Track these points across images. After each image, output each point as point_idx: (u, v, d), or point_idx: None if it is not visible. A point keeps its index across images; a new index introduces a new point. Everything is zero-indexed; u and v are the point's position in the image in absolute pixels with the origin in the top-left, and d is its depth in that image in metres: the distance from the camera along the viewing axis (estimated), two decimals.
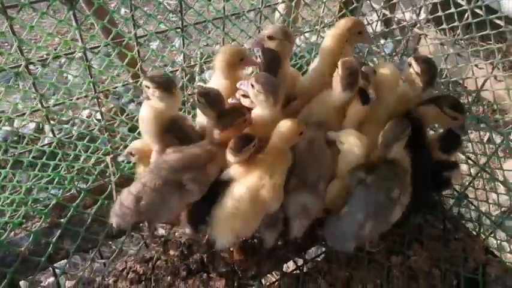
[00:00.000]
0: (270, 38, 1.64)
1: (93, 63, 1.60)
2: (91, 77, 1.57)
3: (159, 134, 1.53)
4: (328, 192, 1.57)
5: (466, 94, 1.87)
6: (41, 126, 2.97)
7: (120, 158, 1.70)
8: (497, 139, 1.77)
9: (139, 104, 1.81)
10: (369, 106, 1.57)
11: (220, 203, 1.45)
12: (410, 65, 1.61)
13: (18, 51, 1.34)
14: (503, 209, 1.84)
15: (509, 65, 3.58)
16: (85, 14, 1.44)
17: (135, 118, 1.84)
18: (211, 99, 1.47)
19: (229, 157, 1.46)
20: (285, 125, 1.46)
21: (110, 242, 1.99)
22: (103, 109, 1.71)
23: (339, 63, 1.52)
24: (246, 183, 1.43)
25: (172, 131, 1.55)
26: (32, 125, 3.42)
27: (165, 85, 1.45)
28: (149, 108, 1.51)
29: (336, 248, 1.62)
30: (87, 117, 2.62)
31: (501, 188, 1.83)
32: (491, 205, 1.91)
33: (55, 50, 1.40)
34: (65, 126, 1.68)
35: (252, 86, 1.48)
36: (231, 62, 1.59)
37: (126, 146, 1.93)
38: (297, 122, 1.48)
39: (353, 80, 1.51)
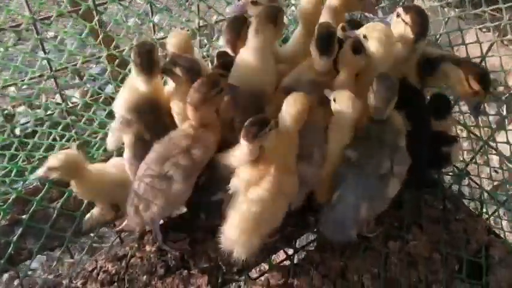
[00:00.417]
0: (254, 3, 1.47)
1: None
2: (44, 53, 1.36)
3: None
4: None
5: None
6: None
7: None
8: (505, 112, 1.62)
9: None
10: (361, 57, 1.40)
11: (234, 210, 1.30)
12: (398, 15, 1.43)
13: None
14: (508, 186, 1.70)
15: None
16: None
17: (100, 99, 1.65)
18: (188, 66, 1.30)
19: (243, 145, 1.25)
20: (293, 103, 1.28)
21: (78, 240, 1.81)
22: (77, 93, 1.51)
23: (316, 27, 1.37)
24: (265, 184, 1.26)
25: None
26: None
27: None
28: None
29: (336, 240, 1.49)
30: (46, 100, 2.39)
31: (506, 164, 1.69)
32: (494, 182, 1.77)
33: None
34: (18, 110, 1.46)
35: None
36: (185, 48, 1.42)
37: (94, 131, 1.74)
38: (301, 94, 1.30)
39: (328, 44, 1.35)
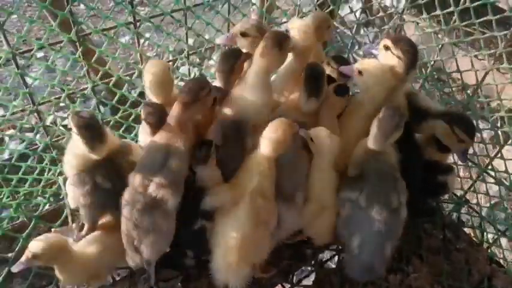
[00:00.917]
0: (244, 34, 1.44)
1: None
2: (26, 87, 1.30)
3: None
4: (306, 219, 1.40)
5: (463, 90, 1.68)
6: None
7: (14, 269, 1.24)
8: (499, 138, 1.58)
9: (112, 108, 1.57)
10: (345, 98, 1.44)
11: (216, 242, 1.29)
12: (387, 48, 1.41)
13: None
14: (508, 214, 1.66)
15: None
16: (6, 10, 1.15)
17: None
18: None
19: (198, 170, 1.27)
20: (276, 128, 1.26)
21: None
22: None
23: (305, 67, 1.37)
24: (241, 213, 1.25)
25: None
26: None
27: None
28: None
29: (368, 279, 1.49)
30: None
31: (504, 191, 1.65)
32: (494, 210, 1.73)
33: None
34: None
35: None
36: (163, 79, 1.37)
37: None
38: (288, 121, 1.29)
39: (317, 86, 1.35)
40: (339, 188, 1.40)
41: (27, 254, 1.22)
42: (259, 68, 1.33)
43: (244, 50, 1.43)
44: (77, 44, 1.31)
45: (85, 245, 1.37)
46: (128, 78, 1.56)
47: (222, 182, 1.32)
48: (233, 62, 1.37)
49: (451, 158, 1.72)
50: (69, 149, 1.35)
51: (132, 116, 1.69)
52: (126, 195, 1.24)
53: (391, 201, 1.31)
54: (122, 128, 1.72)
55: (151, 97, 1.41)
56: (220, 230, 1.28)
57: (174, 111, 1.26)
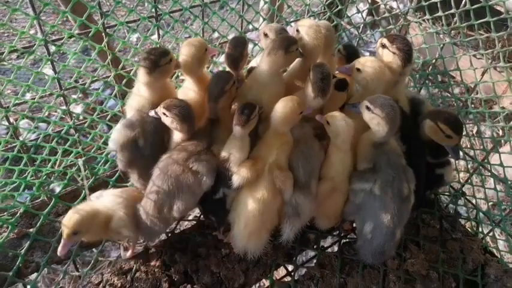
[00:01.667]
0: (266, 35, 1.59)
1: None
2: (55, 73, 1.41)
3: None
4: (320, 197, 1.48)
5: (462, 87, 1.77)
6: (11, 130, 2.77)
7: (59, 252, 1.32)
8: (495, 133, 1.67)
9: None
10: (345, 92, 1.55)
11: (237, 211, 1.42)
12: (384, 45, 1.51)
13: None
14: (502, 206, 1.74)
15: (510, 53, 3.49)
16: (43, 1, 1.26)
17: (107, 118, 1.70)
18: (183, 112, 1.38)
19: (236, 129, 1.37)
20: (283, 105, 1.37)
21: (84, 253, 1.84)
22: (79, 108, 1.55)
23: (311, 67, 1.44)
24: (262, 184, 1.38)
25: None
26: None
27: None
28: None
29: (377, 263, 1.58)
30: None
31: (500, 185, 1.74)
32: (489, 203, 1.81)
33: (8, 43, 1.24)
34: (26, 128, 1.51)
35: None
36: (198, 55, 1.46)
37: (99, 148, 1.79)
38: (295, 99, 1.39)
39: (325, 86, 1.42)
40: (351, 179, 1.48)
41: (67, 232, 1.30)
42: (265, 66, 1.45)
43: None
44: (103, 34, 1.42)
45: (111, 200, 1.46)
46: None
47: (248, 152, 1.42)
48: (241, 49, 1.48)
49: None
50: (134, 93, 1.48)
51: None
52: (162, 164, 1.38)
53: (402, 189, 1.41)
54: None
55: (185, 73, 1.50)
56: (243, 201, 1.40)
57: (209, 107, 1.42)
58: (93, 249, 1.69)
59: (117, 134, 1.45)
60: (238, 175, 1.37)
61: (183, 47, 1.44)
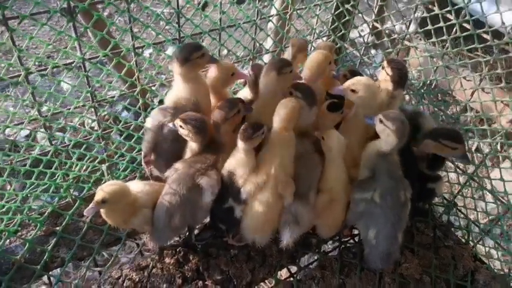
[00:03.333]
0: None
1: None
2: (89, 87, 1.59)
3: None
4: (318, 208, 1.61)
5: (455, 104, 1.94)
6: (32, 135, 2.96)
7: (86, 213, 1.43)
8: (485, 149, 1.82)
9: (135, 113, 1.85)
10: (339, 113, 1.67)
11: (246, 211, 1.56)
12: (383, 67, 1.68)
13: (18, 61, 1.36)
14: (491, 217, 1.88)
15: (495, 77, 3.68)
16: (83, 25, 1.46)
17: (131, 127, 1.87)
18: (198, 125, 1.51)
19: (240, 144, 1.49)
20: (284, 105, 1.51)
21: (104, 251, 1.99)
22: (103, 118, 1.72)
23: (294, 87, 1.59)
24: (267, 188, 1.51)
25: None
26: (24, 134, 3.42)
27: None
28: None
29: (386, 266, 1.69)
30: (79, 125, 2.62)
31: (489, 196, 1.88)
32: (479, 213, 1.95)
33: (49, 59, 1.40)
34: (61, 134, 1.68)
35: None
36: (224, 77, 1.64)
37: (122, 155, 1.95)
38: (294, 99, 1.54)
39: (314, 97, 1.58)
40: (353, 189, 1.62)
41: (99, 197, 1.41)
42: (261, 87, 1.62)
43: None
44: (133, 53, 1.60)
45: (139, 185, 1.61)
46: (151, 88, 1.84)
47: (253, 166, 1.54)
48: (227, 111, 1.55)
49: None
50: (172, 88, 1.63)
51: None
52: (174, 175, 1.53)
53: (400, 196, 1.54)
54: (141, 131, 1.88)
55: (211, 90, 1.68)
56: (249, 205, 1.54)
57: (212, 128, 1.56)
58: (114, 247, 1.83)
59: (152, 116, 1.61)
60: (245, 190, 1.51)
61: (211, 69, 1.63)
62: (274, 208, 1.54)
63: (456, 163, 1.96)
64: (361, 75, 1.88)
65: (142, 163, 1.73)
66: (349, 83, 1.66)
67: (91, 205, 1.42)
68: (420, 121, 1.75)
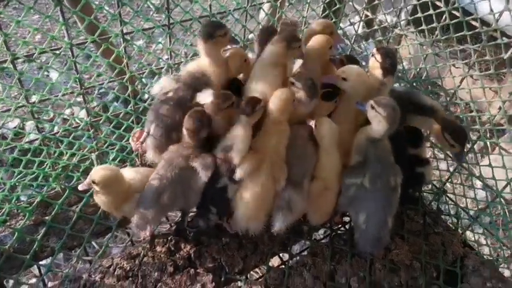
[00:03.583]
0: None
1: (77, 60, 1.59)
2: (77, 73, 1.57)
3: None
4: (312, 195, 1.62)
5: (444, 93, 1.95)
6: (21, 124, 2.92)
7: (80, 187, 1.51)
8: (474, 137, 1.84)
9: (124, 102, 1.83)
10: (333, 102, 1.69)
11: (240, 195, 1.54)
12: (373, 55, 1.69)
13: (4, 46, 1.33)
14: (480, 204, 1.91)
15: (485, 67, 3.72)
16: (71, 9, 1.43)
17: (120, 115, 1.85)
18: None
19: (242, 119, 1.50)
20: (279, 94, 1.52)
21: (94, 241, 1.97)
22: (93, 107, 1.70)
23: (296, 78, 1.59)
24: (262, 171, 1.51)
25: None
26: (11, 126, 3.38)
27: None
28: None
29: (374, 252, 1.71)
30: (71, 114, 2.59)
31: (478, 184, 1.91)
32: (468, 200, 1.98)
33: (38, 45, 1.39)
34: (49, 123, 1.66)
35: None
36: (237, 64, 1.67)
37: (111, 144, 1.94)
38: (288, 89, 1.55)
39: (315, 89, 1.58)
40: (343, 175, 1.63)
41: (89, 178, 1.45)
42: (265, 55, 1.61)
43: None
44: (121, 39, 1.58)
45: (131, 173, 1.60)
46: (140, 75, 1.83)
47: (249, 144, 1.53)
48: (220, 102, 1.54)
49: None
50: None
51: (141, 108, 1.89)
52: (167, 155, 1.52)
53: (390, 181, 1.56)
54: (131, 118, 1.90)
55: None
56: (244, 186, 1.53)
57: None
58: (104, 237, 1.82)
59: (160, 83, 1.63)
60: (241, 169, 1.50)
61: (229, 60, 1.66)
62: (269, 192, 1.54)
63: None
64: (357, 61, 1.89)
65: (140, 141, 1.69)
66: (339, 72, 1.66)
67: (85, 181, 1.45)
68: (413, 97, 1.77)
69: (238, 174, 1.50)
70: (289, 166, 1.57)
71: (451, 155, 1.76)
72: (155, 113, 1.60)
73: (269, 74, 1.60)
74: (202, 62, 1.63)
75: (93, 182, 1.45)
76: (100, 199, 1.53)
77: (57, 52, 1.48)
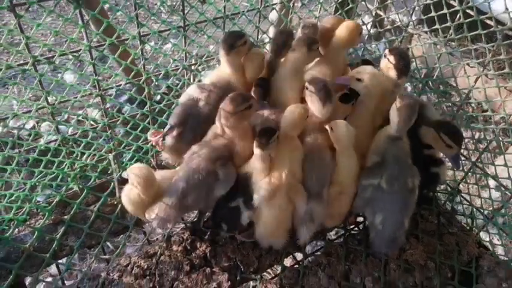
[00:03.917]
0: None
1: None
2: (96, 75, 1.60)
3: None
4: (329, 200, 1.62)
5: (456, 93, 1.95)
6: (37, 125, 2.97)
7: (124, 175, 1.56)
8: (488, 136, 1.83)
9: (139, 104, 1.85)
10: (350, 104, 1.69)
11: (258, 217, 1.56)
12: (385, 56, 1.69)
13: (26, 49, 1.37)
14: (494, 204, 1.90)
15: (498, 66, 3.69)
16: (89, 12, 1.46)
17: (137, 116, 1.88)
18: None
19: (257, 151, 1.48)
20: (291, 111, 1.52)
21: (110, 242, 2.00)
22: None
23: (310, 82, 1.59)
24: (279, 193, 1.50)
25: None
26: (28, 126, 3.44)
27: None
28: None
29: (391, 251, 1.72)
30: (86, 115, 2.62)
31: (493, 183, 1.90)
32: (483, 200, 1.97)
33: (53, 47, 1.42)
34: (67, 124, 1.69)
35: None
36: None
37: (128, 144, 1.96)
38: (301, 105, 1.55)
39: (330, 94, 1.57)
40: (360, 176, 1.63)
41: (130, 172, 1.50)
42: (289, 61, 1.65)
43: None
44: (138, 41, 1.61)
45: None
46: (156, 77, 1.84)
47: (268, 170, 1.52)
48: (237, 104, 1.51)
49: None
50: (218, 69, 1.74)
51: (157, 109, 1.92)
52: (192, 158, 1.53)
53: (407, 183, 1.56)
54: (148, 119, 1.91)
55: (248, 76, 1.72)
56: (261, 210, 1.53)
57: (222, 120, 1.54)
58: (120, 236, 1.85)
59: (188, 92, 1.68)
60: (258, 197, 1.50)
61: (247, 61, 1.69)
62: (286, 212, 1.54)
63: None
64: (373, 64, 1.89)
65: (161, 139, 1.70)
66: (354, 72, 1.67)
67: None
68: (422, 111, 1.74)
69: (256, 201, 1.51)
70: (308, 178, 1.57)
71: (448, 159, 1.73)
72: (181, 118, 1.64)
73: (294, 80, 1.64)
74: (224, 71, 1.68)
75: (132, 177, 1.48)
76: (132, 196, 1.54)
77: (76, 54, 1.52)
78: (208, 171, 1.50)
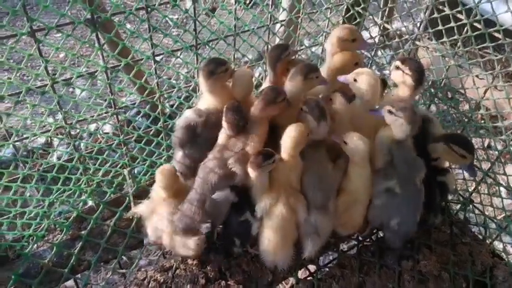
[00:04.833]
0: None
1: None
2: (112, 94, 1.65)
3: None
4: (340, 211, 1.65)
5: (467, 102, 1.96)
6: (49, 141, 3.04)
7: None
8: (498, 145, 1.84)
9: (152, 120, 1.90)
10: (348, 103, 1.69)
11: (261, 231, 1.59)
12: (397, 67, 1.67)
13: (45, 72, 1.42)
14: (507, 213, 1.89)
15: (506, 75, 3.68)
16: (105, 34, 1.52)
17: (151, 132, 1.92)
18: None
19: (250, 172, 1.52)
20: (294, 130, 1.54)
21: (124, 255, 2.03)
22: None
23: (305, 103, 1.61)
24: (279, 203, 1.54)
25: None
26: (41, 140, 3.51)
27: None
28: None
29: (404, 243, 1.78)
30: (102, 132, 2.68)
31: (504, 192, 1.90)
32: (496, 209, 1.96)
33: (72, 66, 1.48)
34: (84, 141, 1.74)
35: None
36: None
37: (142, 160, 2.01)
38: (302, 124, 1.57)
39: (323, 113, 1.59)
40: (374, 181, 1.65)
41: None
42: (287, 90, 1.65)
43: None
44: (152, 61, 1.66)
45: None
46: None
47: (267, 187, 1.58)
48: (273, 97, 1.60)
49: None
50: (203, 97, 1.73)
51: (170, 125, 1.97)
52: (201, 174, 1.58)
53: (416, 182, 1.61)
54: (161, 135, 1.97)
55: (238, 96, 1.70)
56: (264, 222, 1.58)
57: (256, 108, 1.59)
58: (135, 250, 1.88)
59: (185, 115, 1.69)
60: (259, 207, 1.56)
61: (235, 81, 1.68)
62: (289, 222, 1.56)
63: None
64: (385, 82, 1.90)
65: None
66: (353, 73, 1.66)
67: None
68: (427, 126, 1.76)
69: (258, 211, 1.56)
70: (312, 192, 1.60)
71: (463, 169, 1.73)
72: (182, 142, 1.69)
73: (293, 107, 1.63)
74: (209, 100, 1.68)
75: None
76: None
77: (94, 76, 1.57)
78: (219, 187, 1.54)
